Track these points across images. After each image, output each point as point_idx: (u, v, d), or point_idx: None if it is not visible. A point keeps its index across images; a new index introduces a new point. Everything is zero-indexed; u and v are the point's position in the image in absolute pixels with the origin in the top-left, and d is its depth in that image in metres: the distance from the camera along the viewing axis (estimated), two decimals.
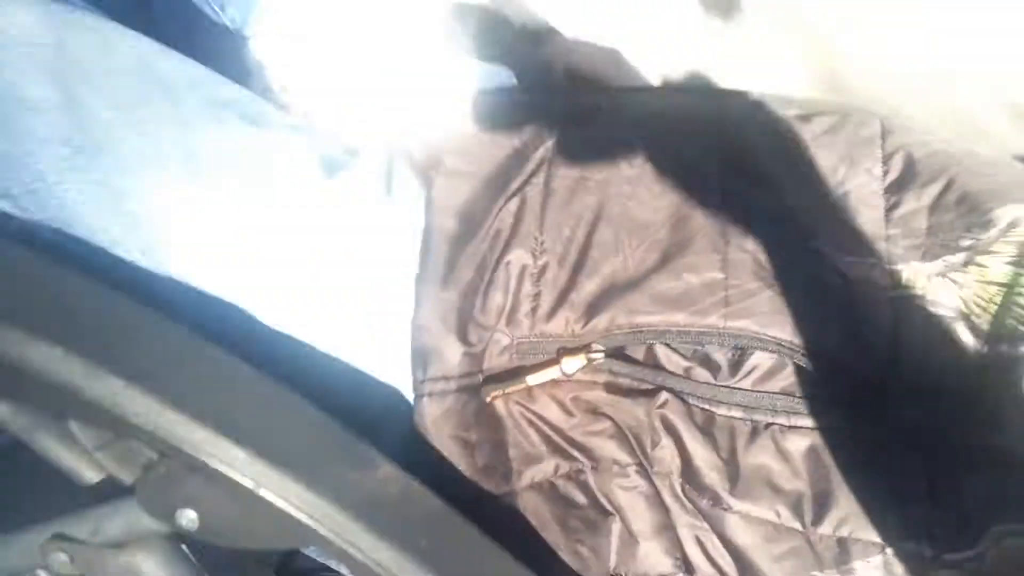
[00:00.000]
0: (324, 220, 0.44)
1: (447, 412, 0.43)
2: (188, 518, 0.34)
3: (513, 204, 0.45)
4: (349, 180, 0.45)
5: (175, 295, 0.39)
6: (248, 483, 0.29)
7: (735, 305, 0.41)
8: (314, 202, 0.44)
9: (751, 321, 0.41)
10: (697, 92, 0.55)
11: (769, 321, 0.41)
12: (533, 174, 0.46)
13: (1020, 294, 0.39)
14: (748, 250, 0.42)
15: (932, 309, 0.40)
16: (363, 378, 0.44)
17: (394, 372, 0.45)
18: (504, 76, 0.54)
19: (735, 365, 0.41)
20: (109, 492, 0.40)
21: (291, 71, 0.51)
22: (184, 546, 0.38)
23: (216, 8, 0.53)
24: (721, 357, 0.41)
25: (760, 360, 0.41)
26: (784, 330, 0.41)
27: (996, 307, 0.39)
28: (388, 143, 0.49)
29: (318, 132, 0.47)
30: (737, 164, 0.46)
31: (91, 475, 0.35)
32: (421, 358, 0.44)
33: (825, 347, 0.40)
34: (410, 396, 0.45)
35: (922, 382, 0.39)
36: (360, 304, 0.45)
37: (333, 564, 0.43)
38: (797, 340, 0.40)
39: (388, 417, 0.44)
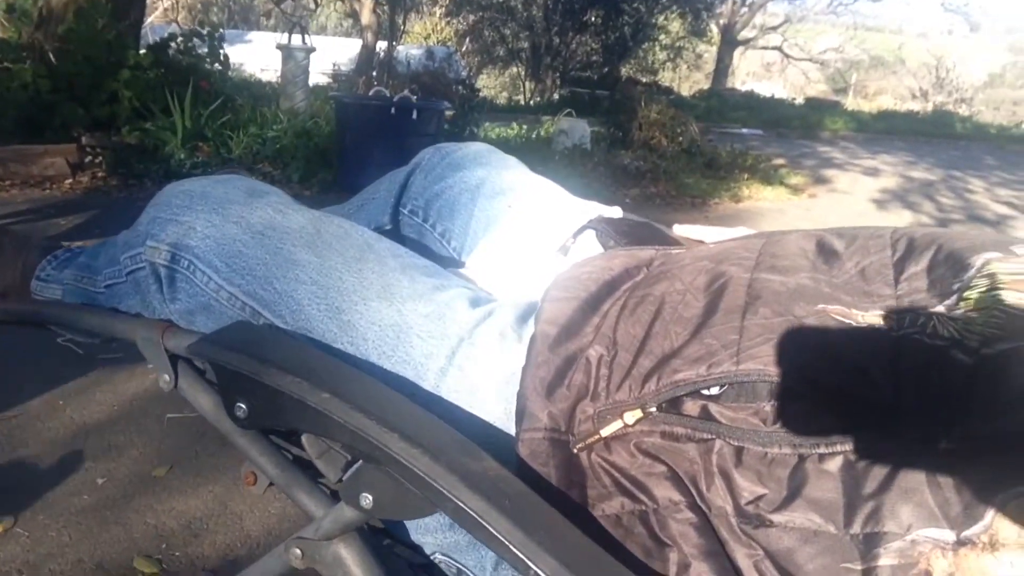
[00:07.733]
0: (465, 329, 0.66)
1: (534, 453, 0.58)
2: (367, 500, 0.54)
3: (597, 318, 0.62)
4: (487, 310, 0.68)
5: (368, 368, 0.63)
6: (404, 461, 0.47)
7: (744, 353, 0.51)
8: (462, 318, 0.66)
9: (757, 363, 0.50)
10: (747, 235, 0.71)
11: (775, 362, 0.49)
12: (616, 300, 0.63)
13: (995, 311, 0.47)
14: (762, 317, 0.52)
15: (930, 342, 0.47)
16: (480, 421, 0.63)
17: (504, 422, 0.63)
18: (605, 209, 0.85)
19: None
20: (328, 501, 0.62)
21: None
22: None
23: (444, 242, 0.92)
24: (768, 408, 0.49)
25: (799, 407, 0.48)
26: (789, 367, 0.48)
27: (980, 326, 0.47)
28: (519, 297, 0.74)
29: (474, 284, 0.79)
30: (768, 264, 0.58)
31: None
32: (520, 415, 0.59)
33: (829, 380, 0.48)
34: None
35: (924, 398, 0.46)
36: (488, 376, 0.64)
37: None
38: (802, 375, 0.48)
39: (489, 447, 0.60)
